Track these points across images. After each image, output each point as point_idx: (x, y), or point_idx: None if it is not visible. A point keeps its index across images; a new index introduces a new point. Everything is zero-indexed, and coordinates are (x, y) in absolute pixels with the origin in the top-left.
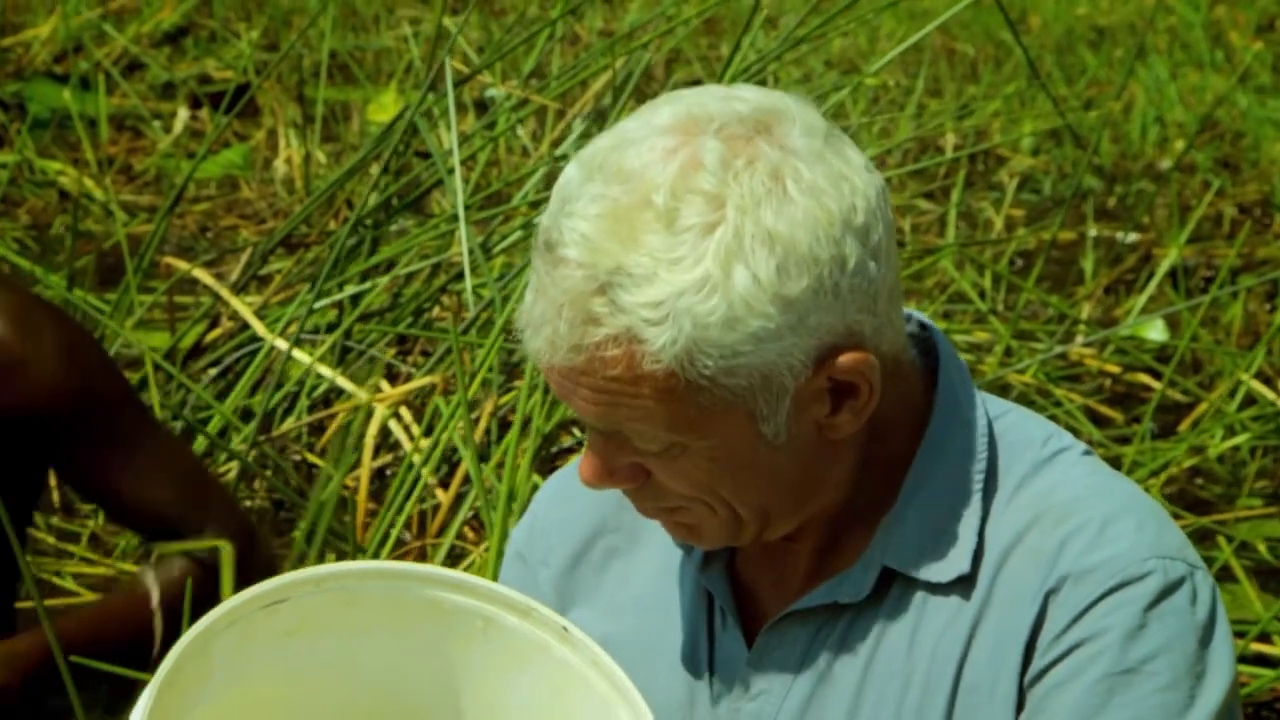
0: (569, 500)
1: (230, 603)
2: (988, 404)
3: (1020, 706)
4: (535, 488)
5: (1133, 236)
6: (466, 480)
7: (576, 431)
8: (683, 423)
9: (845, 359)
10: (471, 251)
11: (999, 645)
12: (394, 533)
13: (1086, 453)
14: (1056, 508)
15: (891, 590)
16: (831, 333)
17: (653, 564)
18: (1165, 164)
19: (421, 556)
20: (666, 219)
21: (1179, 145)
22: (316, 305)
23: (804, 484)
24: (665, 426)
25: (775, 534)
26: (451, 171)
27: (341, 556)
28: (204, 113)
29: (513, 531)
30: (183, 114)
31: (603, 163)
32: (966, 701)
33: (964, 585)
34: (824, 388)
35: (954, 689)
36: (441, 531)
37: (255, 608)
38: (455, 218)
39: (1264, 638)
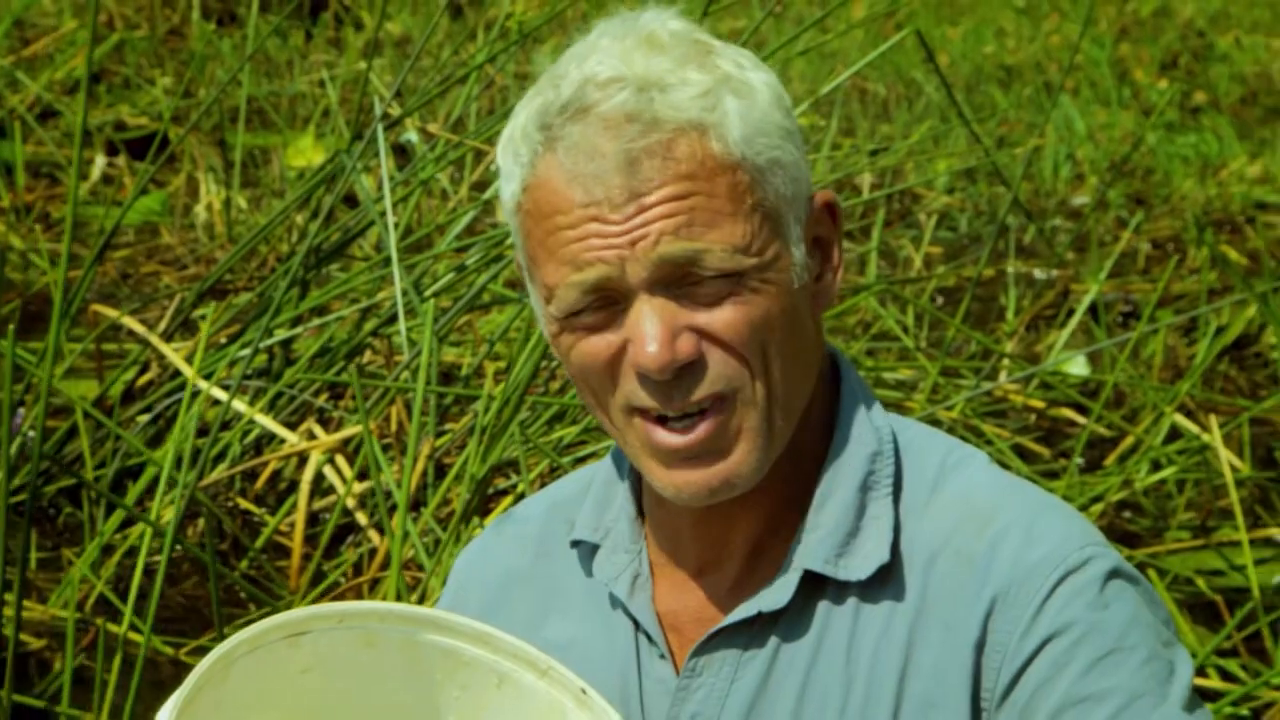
0: (483, 558)
1: (254, 629)
2: (890, 417)
3: (976, 716)
4: (475, 527)
5: (1052, 273)
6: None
7: (511, 474)
8: (747, 232)
9: (822, 194)
10: (405, 294)
11: (943, 652)
12: (329, 577)
13: (989, 462)
14: (978, 511)
15: (820, 600)
16: (809, 169)
17: (573, 615)
18: (1078, 200)
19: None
20: (670, 49)
21: (1091, 182)
22: (246, 352)
23: (809, 361)
24: (735, 236)
25: (781, 442)
26: (383, 215)
27: (277, 600)
28: (120, 159)
29: (437, 604)
30: (99, 161)
31: (588, 43)
32: (912, 712)
33: (892, 587)
34: (812, 238)
35: (897, 700)
36: (378, 579)
37: (278, 636)
38: (383, 262)
39: (1199, 672)
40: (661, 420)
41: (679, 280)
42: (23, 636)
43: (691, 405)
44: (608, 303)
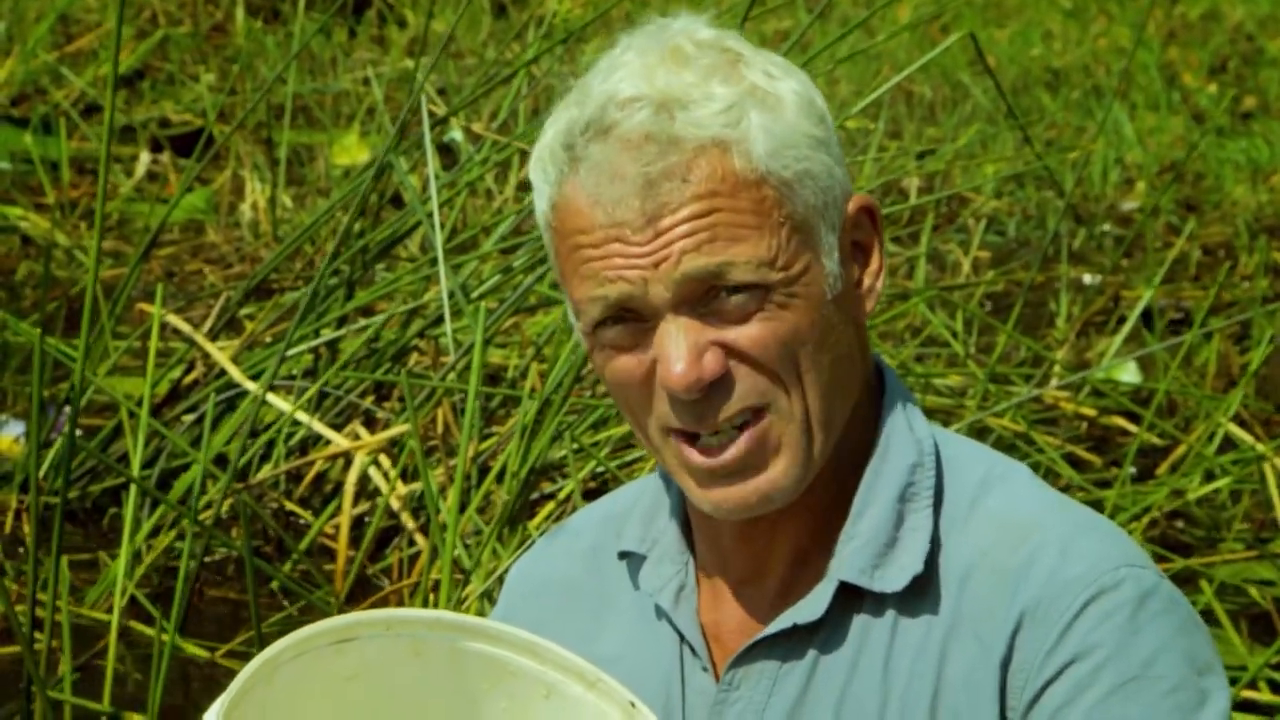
0: (535, 570)
1: (301, 633)
2: (933, 429)
3: None
4: (525, 537)
5: (1102, 279)
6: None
7: (557, 477)
8: (773, 245)
9: (858, 199)
10: (452, 295)
11: (974, 667)
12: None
13: (1032, 477)
14: (1017, 526)
15: (859, 613)
16: (844, 175)
17: (621, 627)
18: (1128, 205)
19: (400, 604)
20: (695, 61)
21: (1141, 187)
22: (292, 352)
23: (848, 372)
24: (760, 250)
25: (821, 456)
26: (430, 215)
27: (312, 595)
28: (165, 156)
29: (490, 616)
30: (144, 158)
31: (614, 57)
32: None
33: (930, 601)
34: (849, 244)
35: (931, 716)
36: (420, 579)
37: (325, 642)
38: (429, 262)
39: (1251, 685)
40: (694, 439)
41: (703, 298)
42: (39, 634)
43: (724, 423)
44: (634, 319)
